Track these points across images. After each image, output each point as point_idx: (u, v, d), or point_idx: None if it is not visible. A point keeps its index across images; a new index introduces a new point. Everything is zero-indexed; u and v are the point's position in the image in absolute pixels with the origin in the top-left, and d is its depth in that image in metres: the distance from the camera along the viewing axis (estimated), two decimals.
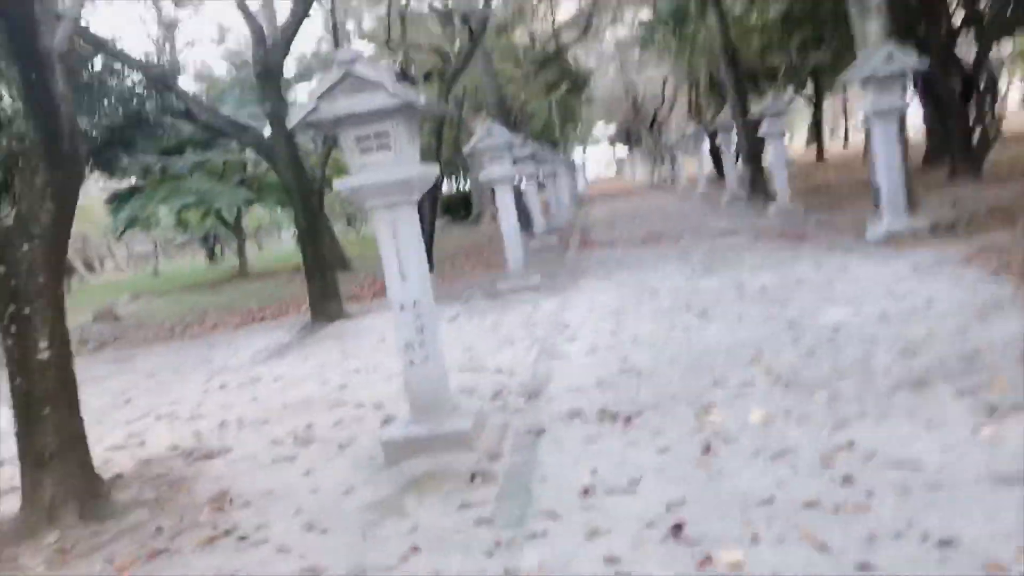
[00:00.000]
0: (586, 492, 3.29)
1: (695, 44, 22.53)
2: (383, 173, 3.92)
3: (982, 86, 14.75)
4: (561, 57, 31.60)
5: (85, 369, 8.90)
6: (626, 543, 2.78)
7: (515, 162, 11.05)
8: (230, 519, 3.70)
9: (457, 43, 15.28)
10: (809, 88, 28.59)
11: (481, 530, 3.10)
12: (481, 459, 3.84)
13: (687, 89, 31.79)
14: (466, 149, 10.03)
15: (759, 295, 6.90)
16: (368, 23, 24.97)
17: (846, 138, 41.51)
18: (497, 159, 9.67)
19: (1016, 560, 2.27)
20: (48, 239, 3.88)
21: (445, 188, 31.40)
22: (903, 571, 2.32)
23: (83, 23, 8.01)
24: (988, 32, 15.19)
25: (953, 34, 15.01)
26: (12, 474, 4.16)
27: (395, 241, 4.04)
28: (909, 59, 8.24)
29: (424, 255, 4.12)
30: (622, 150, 66.09)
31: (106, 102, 9.18)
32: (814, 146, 33.52)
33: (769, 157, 14.22)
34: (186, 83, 19.89)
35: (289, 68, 17.63)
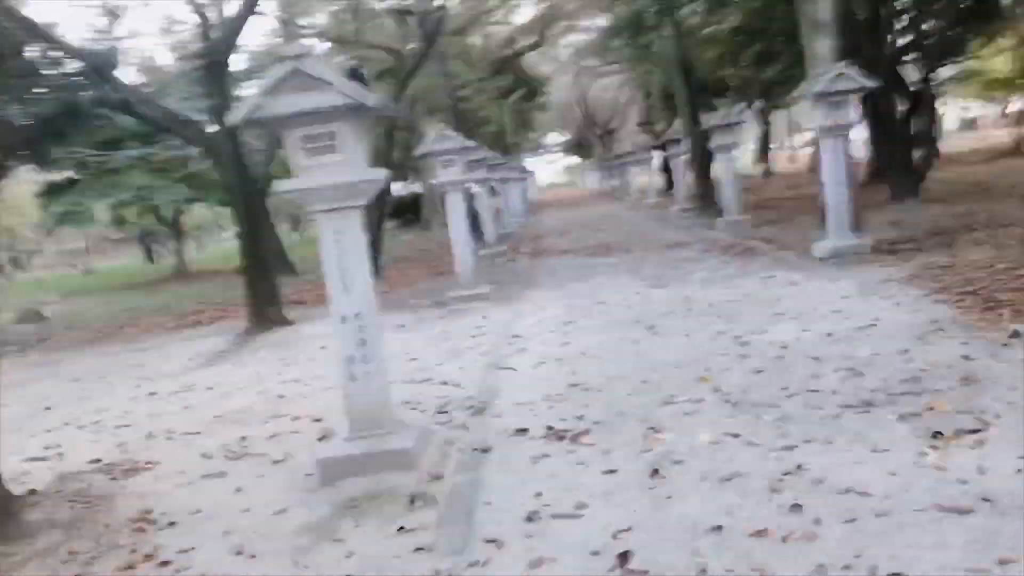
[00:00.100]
0: (531, 517, 3.16)
1: (649, 55, 22.74)
2: (329, 176, 3.75)
3: (922, 108, 15.20)
4: (516, 63, 31.62)
5: (4, 373, 8.50)
6: (571, 574, 2.66)
7: (467, 167, 10.91)
8: (152, 542, 3.47)
9: (412, 44, 15.08)
10: (758, 103, 29.14)
11: (420, 558, 2.95)
12: (423, 480, 3.68)
13: (640, 100, 32.11)
14: (418, 153, 9.84)
15: (708, 310, 6.90)
16: (321, 19, 24.53)
17: (793, 154, 42.49)
18: (449, 164, 9.51)
19: None
20: None
21: (395, 191, 31.05)
22: None
23: (12, 5, 7.60)
24: (931, 55, 15.67)
25: (898, 55, 15.43)
26: None
27: (338, 249, 3.86)
28: (860, 78, 8.37)
29: (368, 265, 3.94)
30: (574, 159, 66.53)
31: (38, 91, 8.72)
32: (762, 161, 34.19)
33: (719, 170, 14.38)
34: (129, 75, 19.19)
35: (238, 63, 17.17)
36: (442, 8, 14.00)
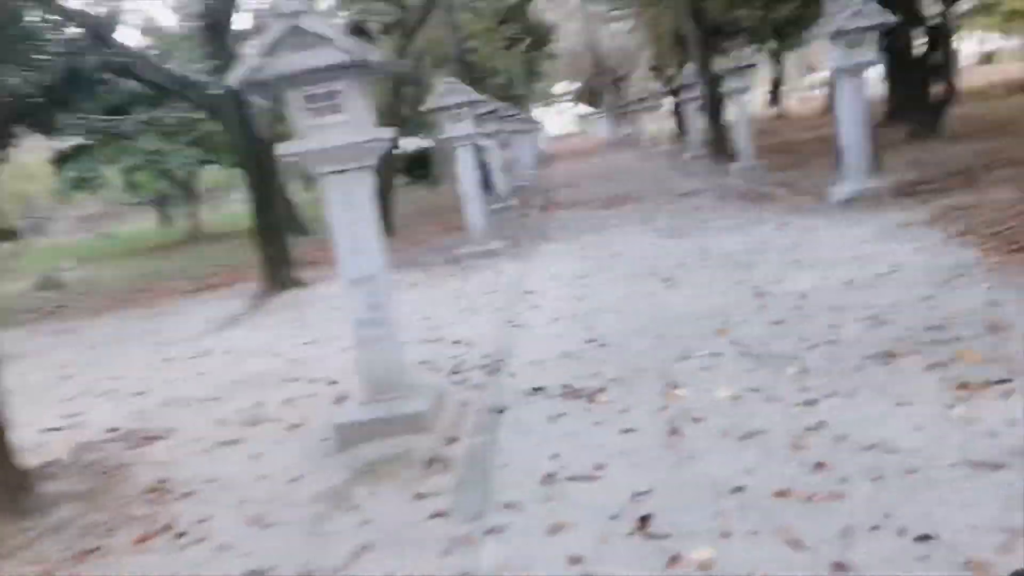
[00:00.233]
0: (548, 479, 3.12)
1: None
2: (334, 137, 3.63)
3: (940, 43, 14.69)
4: (524, 11, 30.87)
5: (23, 341, 8.56)
6: (590, 539, 2.61)
7: (478, 120, 10.71)
8: (169, 512, 3.47)
9: None
10: (771, 45, 28.36)
11: (437, 525, 2.92)
12: (439, 443, 3.65)
13: (649, 45, 31.35)
14: (425, 107, 9.64)
15: (724, 259, 6.77)
16: None
17: (806, 96, 41.53)
18: (458, 118, 9.32)
19: (998, 557, 2.15)
20: None
21: (404, 147, 30.73)
22: (881, 571, 2.19)
23: None
24: None
25: None
26: None
27: (347, 212, 3.77)
28: (878, 14, 8.06)
29: (378, 226, 3.85)
30: (585, 108, 65.50)
31: (39, 57, 8.55)
32: (775, 104, 33.46)
33: (732, 114, 14.05)
34: (132, 38, 18.92)
35: (241, 23, 16.86)
36: None
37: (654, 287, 6.20)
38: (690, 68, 18.25)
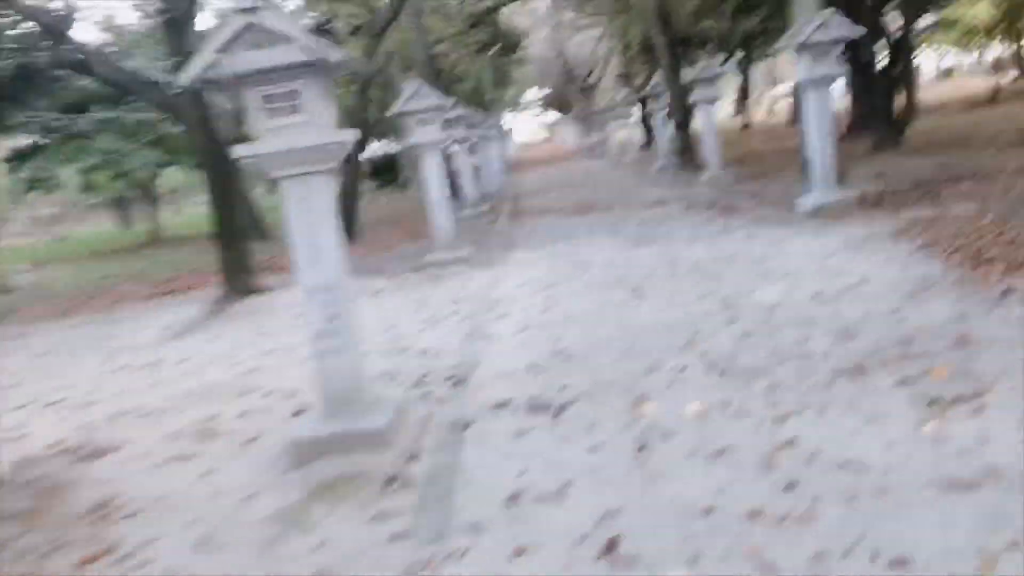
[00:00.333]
0: (513, 499, 3.01)
1: (627, 6, 22.24)
2: (292, 139, 3.48)
3: (902, 57, 14.95)
4: (494, 17, 30.82)
5: None
6: (556, 563, 2.51)
7: (445, 126, 10.58)
8: (113, 533, 3.28)
9: None
10: (738, 55, 28.71)
11: (396, 547, 2.78)
12: (400, 460, 3.51)
13: (618, 53, 31.54)
14: (392, 111, 9.48)
15: (692, 270, 6.73)
16: None
17: (772, 107, 42.12)
18: (425, 122, 9.18)
19: None
20: None
21: (371, 152, 30.46)
22: None
23: None
24: (913, 3, 15.37)
25: (878, 4, 15.12)
26: None
27: (305, 216, 3.62)
28: (844, 27, 8.12)
29: (337, 233, 3.71)
30: (554, 115, 65.70)
31: None
32: (741, 114, 33.87)
33: (700, 124, 14.12)
34: (90, 35, 18.44)
35: (204, 21, 16.52)
36: None
37: (622, 297, 6.13)
38: (658, 77, 18.35)
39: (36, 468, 4.20)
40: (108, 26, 19.66)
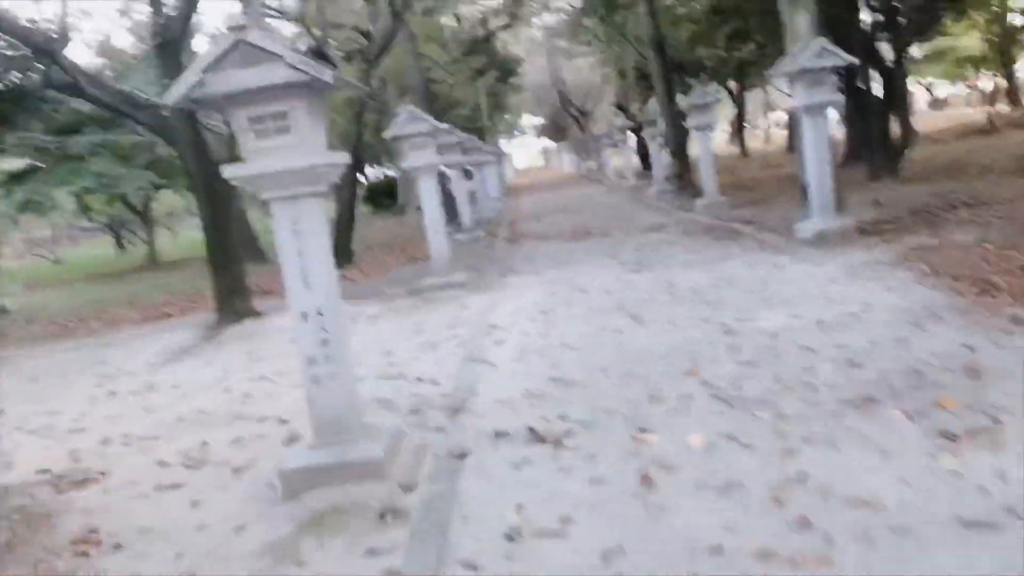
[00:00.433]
0: (512, 534, 2.89)
1: (624, 34, 22.41)
2: (282, 160, 3.38)
3: (897, 86, 15.04)
4: (489, 44, 31.07)
5: None
6: None
7: (440, 150, 10.55)
8: (95, 567, 3.15)
9: (380, 22, 14.62)
10: (733, 83, 28.92)
11: None
12: (394, 491, 3.39)
13: (614, 80, 31.76)
14: (387, 135, 9.44)
15: (692, 295, 6.65)
16: (289, 1, 23.83)
17: (767, 134, 42.43)
18: (420, 147, 9.14)
19: None
20: None
21: (369, 176, 30.52)
22: None
23: None
24: (905, 32, 15.50)
25: (872, 32, 15.24)
26: None
27: (296, 240, 3.52)
28: (840, 54, 8.13)
29: (330, 256, 3.62)
30: (550, 141, 66.07)
31: None
32: (736, 141, 34.05)
33: (696, 151, 14.13)
34: (84, 57, 18.47)
35: (198, 45, 16.55)
36: None
37: (621, 323, 6.04)
38: (654, 104, 18.43)
39: (20, 497, 4.05)
40: (104, 50, 19.72)
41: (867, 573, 2.29)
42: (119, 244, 30.52)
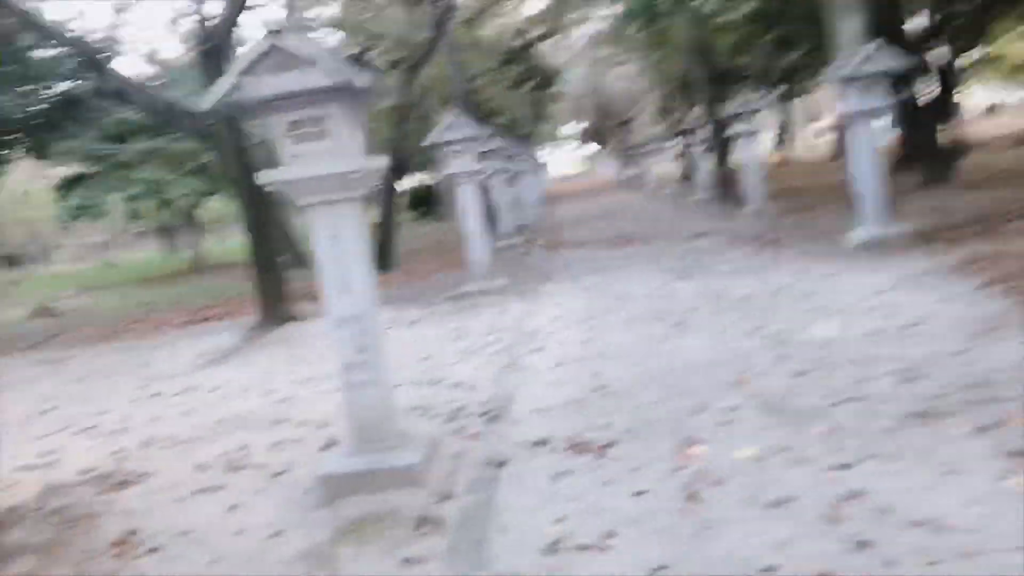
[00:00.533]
0: (552, 547, 2.80)
1: (665, 42, 22.20)
2: (319, 165, 3.36)
3: (949, 93, 14.63)
4: (530, 52, 31.08)
5: (8, 371, 8.27)
6: None
7: (482, 157, 10.52)
8: (133, 569, 3.14)
9: (422, 33, 14.70)
10: (778, 90, 28.45)
11: None
12: (431, 500, 3.32)
13: (655, 88, 31.50)
14: (428, 142, 9.45)
15: (738, 304, 6.48)
16: (331, 9, 24.14)
17: (813, 141, 41.68)
18: (461, 153, 9.12)
19: None
20: None
21: (410, 183, 30.71)
22: None
23: None
24: (955, 38, 15.08)
25: (923, 38, 14.85)
26: None
27: (334, 246, 3.49)
28: (891, 59, 7.90)
29: (368, 262, 3.57)
30: (590, 149, 65.88)
31: (31, 82, 8.39)
32: (782, 149, 33.52)
33: (741, 158, 13.91)
34: (134, 66, 18.96)
35: (241, 52, 16.82)
36: None
37: (665, 331, 5.91)
38: (697, 111, 18.22)
39: (62, 497, 4.09)
40: (152, 59, 20.19)
41: None
42: (169, 248, 31.23)
